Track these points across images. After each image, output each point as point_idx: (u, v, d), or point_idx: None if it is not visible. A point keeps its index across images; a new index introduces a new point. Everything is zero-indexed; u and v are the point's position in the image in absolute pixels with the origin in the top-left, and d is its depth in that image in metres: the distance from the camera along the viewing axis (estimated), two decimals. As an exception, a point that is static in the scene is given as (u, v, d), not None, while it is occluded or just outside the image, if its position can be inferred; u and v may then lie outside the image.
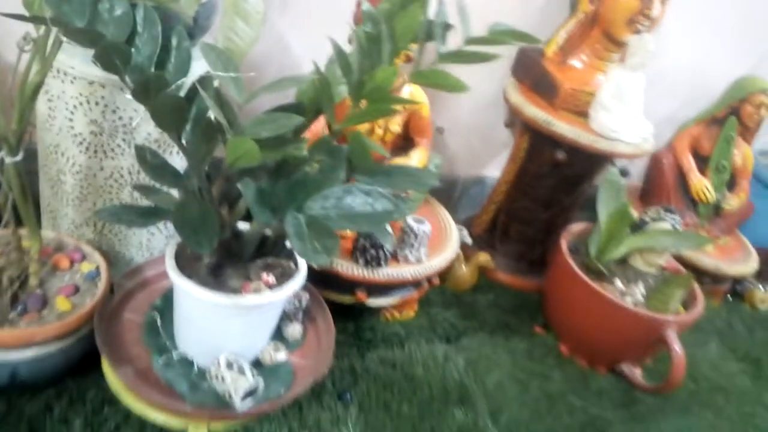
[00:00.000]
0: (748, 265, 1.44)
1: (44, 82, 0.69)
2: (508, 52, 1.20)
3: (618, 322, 1.07)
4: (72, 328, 0.77)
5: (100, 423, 0.78)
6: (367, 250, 0.96)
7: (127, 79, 0.62)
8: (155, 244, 0.97)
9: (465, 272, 1.26)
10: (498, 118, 1.35)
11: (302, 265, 0.78)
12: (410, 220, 1.00)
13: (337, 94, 0.68)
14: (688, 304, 1.13)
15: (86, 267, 0.85)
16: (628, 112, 1.14)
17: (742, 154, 1.46)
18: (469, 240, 1.22)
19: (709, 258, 1.40)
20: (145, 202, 0.86)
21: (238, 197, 0.72)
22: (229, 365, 0.74)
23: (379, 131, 1.07)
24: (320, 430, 0.84)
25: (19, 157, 0.71)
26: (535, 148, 1.24)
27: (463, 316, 1.20)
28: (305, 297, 0.88)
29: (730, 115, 1.42)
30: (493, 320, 1.22)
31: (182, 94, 0.66)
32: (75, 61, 0.78)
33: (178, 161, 0.88)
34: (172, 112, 0.62)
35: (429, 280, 1.10)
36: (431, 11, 0.64)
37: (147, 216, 0.70)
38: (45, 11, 0.61)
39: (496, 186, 1.37)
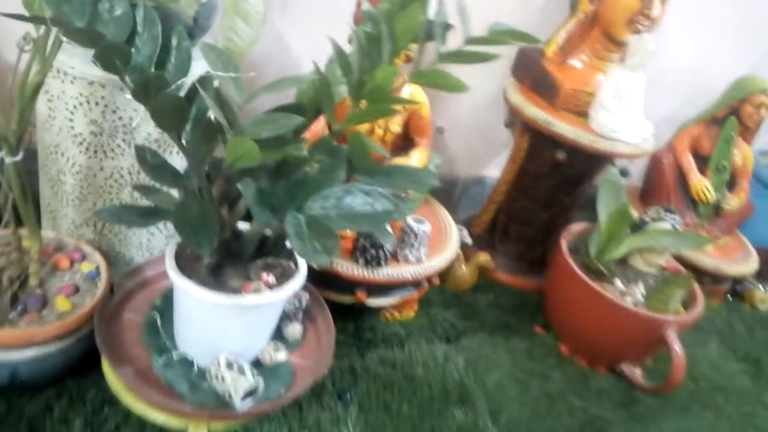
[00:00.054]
0: (748, 265, 1.44)
1: (44, 82, 0.70)
2: (508, 52, 1.20)
3: (618, 322, 1.07)
4: (72, 328, 0.77)
5: (100, 423, 0.78)
6: (367, 250, 0.96)
7: (127, 79, 0.62)
8: (155, 244, 0.97)
9: (465, 272, 1.26)
10: (498, 118, 1.35)
11: (302, 265, 0.78)
12: (410, 220, 1.00)
13: (337, 94, 0.68)
14: (688, 304, 1.13)
15: (86, 267, 0.86)
16: (628, 112, 1.14)
17: (742, 154, 1.46)
18: (469, 240, 1.22)
19: (709, 258, 1.40)
20: (145, 202, 0.86)
21: (238, 197, 0.72)
22: (229, 365, 0.74)
23: (379, 131, 1.08)
24: (320, 430, 0.84)
25: (19, 157, 0.71)
26: (535, 148, 1.24)
27: (463, 316, 1.20)
28: (305, 297, 0.88)
29: (730, 115, 1.42)
30: (493, 320, 1.22)
31: (182, 94, 0.66)
32: (75, 61, 0.78)
33: (178, 161, 0.88)
34: (172, 112, 0.62)
35: (429, 280, 1.10)
36: (431, 11, 0.64)
37: (147, 216, 0.70)
38: (45, 11, 0.61)
39: (496, 186, 1.37)
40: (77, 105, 0.81)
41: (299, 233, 0.62)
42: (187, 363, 0.78)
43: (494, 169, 1.48)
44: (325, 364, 0.84)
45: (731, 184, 1.49)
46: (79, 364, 0.82)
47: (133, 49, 0.63)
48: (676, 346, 1.03)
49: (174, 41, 0.67)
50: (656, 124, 1.20)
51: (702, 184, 1.44)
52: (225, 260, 0.75)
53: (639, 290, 1.11)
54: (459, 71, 0.61)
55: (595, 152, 1.14)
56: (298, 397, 0.81)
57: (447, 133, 1.39)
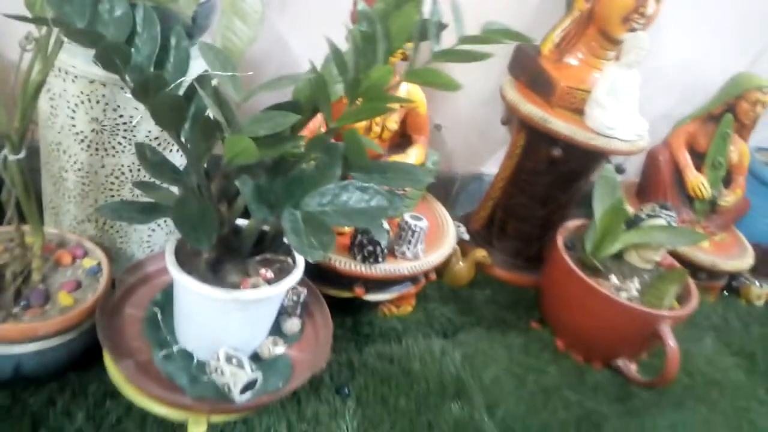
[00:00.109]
0: (744, 260, 1.45)
1: (46, 81, 0.70)
2: (504, 51, 1.21)
3: (613, 318, 1.08)
4: (74, 322, 0.78)
5: (102, 416, 0.80)
6: (364, 246, 0.97)
7: (127, 78, 0.63)
8: (156, 240, 0.98)
9: (462, 268, 1.27)
10: (495, 115, 1.36)
11: (300, 260, 0.79)
12: (408, 216, 1.01)
13: (334, 92, 0.69)
14: (682, 299, 1.14)
15: (88, 263, 0.87)
16: (624, 109, 1.15)
17: (738, 151, 1.47)
18: (466, 236, 1.23)
19: (705, 254, 1.41)
20: (145, 198, 0.87)
21: (237, 194, 0.73)
22: (229, 359, 0.75)
23: (377, 128, 1.08)
24: (318, 423, 0.85)
25: (22, 154, 0.72)
26: (532, 145, 1.25)
27: (460, 312, 1.21)
28: (303, 292, 0.89)
29: (726, 111, 1.43)
30: (489, 315, 1.23)
31: (181, 92, 0.67)
32: (76, 60, 0.79)
33: (178, 159, 0.89)
34: (172, 110, 0.63)
35: (426, 275, 1.11)
36: (426, 10, 0.65)
37: (147, 212, 0.71)
38: (47, 12, 0.62)
39: (493, 183, 1.38)
40: (79, 103, 0.82)
41: (296, 229, 0.63)
42: (187, 357, 0.78)
43: (491, 166, 1.49)
44: (323, 358, 0.85)
45: (727, 181, 1.49)
46: (82, 358, 0.83)
47: (132, 49, 0.64)
48: (671, 341, 1.04)
49: (173, 41, 0.68)
50: (652, 121, 1.21)
51: (698, 181, 1.45)
52: (224, 256, 0.76)
53: (634, 286, 1.12)
54: (455, 69, 0.62)
55: (591, 149, 1.15)
56: (297, 390, 0.82)
57: (445, 130, 1.40)
